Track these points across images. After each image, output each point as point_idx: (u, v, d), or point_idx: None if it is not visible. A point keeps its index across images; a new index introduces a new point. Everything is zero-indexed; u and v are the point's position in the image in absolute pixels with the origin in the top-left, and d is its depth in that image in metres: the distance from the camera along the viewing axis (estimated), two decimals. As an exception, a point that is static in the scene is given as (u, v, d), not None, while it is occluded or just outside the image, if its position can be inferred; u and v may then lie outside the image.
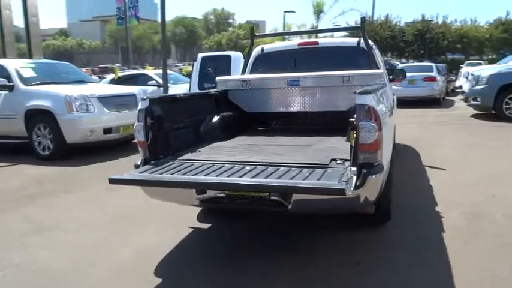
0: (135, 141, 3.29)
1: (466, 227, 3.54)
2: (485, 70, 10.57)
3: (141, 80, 12.31)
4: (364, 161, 2.56)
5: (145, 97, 3.19)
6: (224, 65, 6.87)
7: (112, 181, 2.70)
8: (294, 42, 5.25)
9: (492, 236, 3.35)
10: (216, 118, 4.06)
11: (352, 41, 4.90)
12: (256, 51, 5.15)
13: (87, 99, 7.08)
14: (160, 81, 11.75)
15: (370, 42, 4.81)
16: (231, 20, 67.96)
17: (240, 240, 3.53)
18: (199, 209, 3.99)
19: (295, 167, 2.75)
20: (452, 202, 4.14)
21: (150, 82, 11.75)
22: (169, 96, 3.55)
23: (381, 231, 3.54)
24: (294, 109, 4.36)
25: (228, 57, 7.11)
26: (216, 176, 2.64)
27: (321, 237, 3.45)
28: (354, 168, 2.58)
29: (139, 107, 3.15)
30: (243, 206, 2.93)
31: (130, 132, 7.68)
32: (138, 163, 3.14)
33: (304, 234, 3.55)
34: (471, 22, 38.16)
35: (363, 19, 4.54)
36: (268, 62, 5.01)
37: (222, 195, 2.84)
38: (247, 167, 2.80)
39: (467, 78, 13.95)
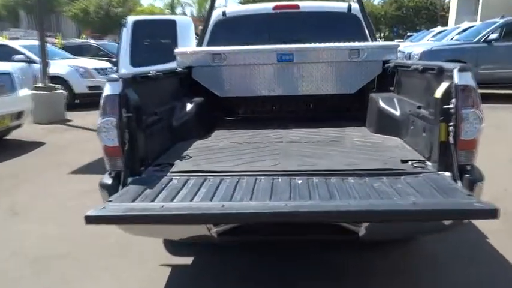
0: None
1: (504, 230, 3.39)
2: (417, 47, 11.20)
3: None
4: (461, 163, 2.22)
5: (116, 76, 2.29)
6: (167, 34, 5.88)
7: (91, 220, 1.83)
8: (264, 5, 4.61)
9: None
10: (189, 106, 3.41)
11: (341, 5, 4.48)
12: (216, 15, 4.45)
13: None
14: (31, 55, 10.23)
15: None
16: (97, -16, 62.92)
17: (248, 273, 2.87)
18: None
19: (367, 175, 2.30)
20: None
21: (16, 57, 10.17)
22: (142, 76, 2.71)
23: (419, 241, 3.21)
24: (284, 92, 3.87)
25: (173, 23, 6.05)
26: (271, 200, 2.01)
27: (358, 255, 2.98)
28: (448, 173, 2.26)
29: (107, 92, 2.30)
30: (284, 237, 2.40)
31: (7, 125, 6.28)
32: (109, 182, 2.29)
33: (325, 258, 3.02)
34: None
35: (360, -22, 4.15)
36: (233, 29, 4.40)
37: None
38: (298, 180, 2.26)
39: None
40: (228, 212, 1.86)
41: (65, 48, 13.55)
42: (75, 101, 10.29)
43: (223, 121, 3.97)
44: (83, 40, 19.58)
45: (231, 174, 2.39)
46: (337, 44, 3.73)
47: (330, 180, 2.24)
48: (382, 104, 3.22)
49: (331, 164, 2.49)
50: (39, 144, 6.66)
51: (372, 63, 3.71)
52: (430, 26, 29.09)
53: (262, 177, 2.31)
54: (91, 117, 8.41)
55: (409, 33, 26.33)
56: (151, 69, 3.08)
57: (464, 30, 12.50)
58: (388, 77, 3.60)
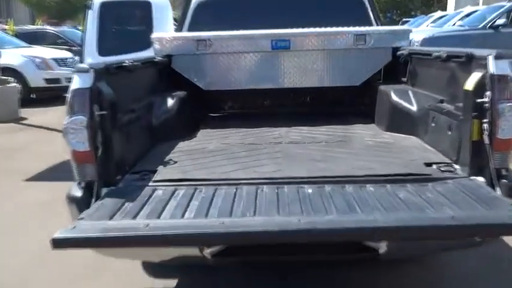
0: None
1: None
2: (417, 34, 11.22)
3: None
4: (496, 166, 2.17)
5: (86, 66, 2.15)
6: (141, 18, 5.73)
7: (59, 243, 1.70)
8: None
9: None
10: (170, 102, 3.31)
11: None
12: None
13: None
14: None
15: None
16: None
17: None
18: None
19: (388, 181, 2.23)
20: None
21: (-40, 45, 9.80)
22: (117, 66, 2.58)
23: (445, 263, 3.12)
24: (278, 85, 3.81)
25: (147, 5, 5.86)
26: (280, 214, 1.91)
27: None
28: (481, 178, 2.21)
29: (76, 85, 2.20)
30: (292, 257, 2.29)
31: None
32: (79, 194, 2.17)
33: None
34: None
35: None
36: (218, 12, 4.31)
37: None
38: (308, 189, 2.17)
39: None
40: (231, 231, 1.73)
41: (17, 35, 13.25)
42: (31, 96, 10.06)
43: (208, 118, 3.90)
44: (38, 26, 19.13)
45: (227, 182, 2.30)
46: (340, 29, 3.67)
47: (346, 188, 2.16)
48: (394, 97, 3.16)
49: (343, 169, 2.41)
50: (-12, 146, 6.46)
51: (380, 50, 3.66)
52: (425, 11, 29.41)
53: (265, 186, 2.22)
54: (49, 115, 8.24)
55: (404, 19, 26.56)
56: (125, 58, 2.95)
57: (467, 15, 12.59)
58: (400, 67, 3.56)
